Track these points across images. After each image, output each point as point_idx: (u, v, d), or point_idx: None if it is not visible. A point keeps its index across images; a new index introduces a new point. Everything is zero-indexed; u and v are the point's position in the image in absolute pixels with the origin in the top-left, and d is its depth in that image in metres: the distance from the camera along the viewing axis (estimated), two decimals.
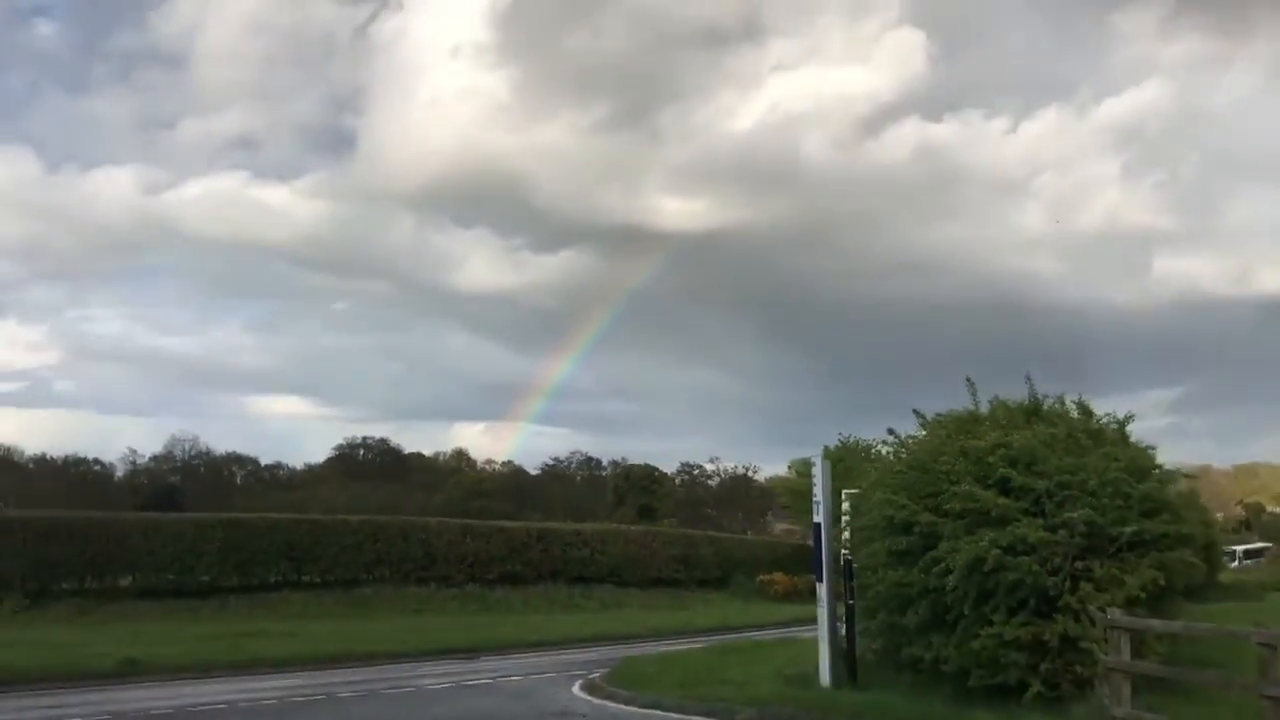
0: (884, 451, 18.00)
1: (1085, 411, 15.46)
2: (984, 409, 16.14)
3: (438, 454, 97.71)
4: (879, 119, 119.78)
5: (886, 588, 14.53)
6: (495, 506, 69.03)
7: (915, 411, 17.16)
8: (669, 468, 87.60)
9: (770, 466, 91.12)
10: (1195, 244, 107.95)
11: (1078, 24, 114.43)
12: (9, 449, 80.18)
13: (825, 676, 16.39)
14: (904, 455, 16.04)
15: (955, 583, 13.12)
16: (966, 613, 13.29)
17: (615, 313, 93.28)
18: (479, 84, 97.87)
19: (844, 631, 16.44)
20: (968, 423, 15.66)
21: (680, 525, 61.94)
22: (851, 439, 48.62)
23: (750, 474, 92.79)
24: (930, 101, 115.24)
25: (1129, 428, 15.19)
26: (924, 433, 16.43)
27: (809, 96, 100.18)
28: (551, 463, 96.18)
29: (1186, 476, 16.22)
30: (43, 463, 79.11)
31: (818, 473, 16.15)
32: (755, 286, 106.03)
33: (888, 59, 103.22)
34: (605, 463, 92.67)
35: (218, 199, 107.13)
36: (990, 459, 14.02)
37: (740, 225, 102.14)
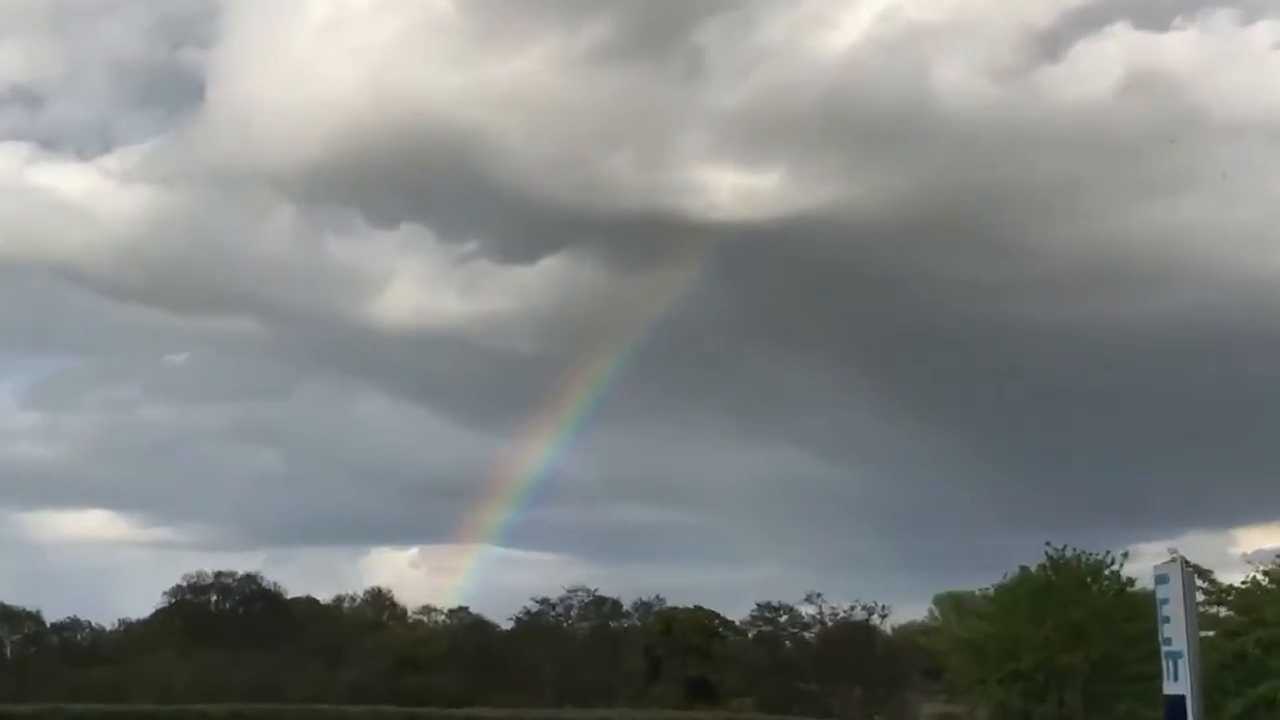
0: None
1: None
2: None
3: (342, 599, 72.74)
4: (1063, 30, 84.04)
5: None
6: (442, 684, 56.42)
7: None
8: (736, 612, 66.99)
9: (905, 607, 69.89)
10: None
11: None
12: None
13: None
14: None
15: None
16: None
17: (631, 358, 68.39)
18: None
19: None
20: None
21: (761, 710, 52.79)
22: (1070, 552, 39.33)
23: (873, 619, 67.81)
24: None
25: None
26: None
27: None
28: (534, 608, 70.39)
29: None
30: None
31: (1172, 595, 10.90)
32: (859, 309, 74.16)
33: None
34: (628, 606, 69.84)
35: None
36: None
37: (833, 209, 71.12)
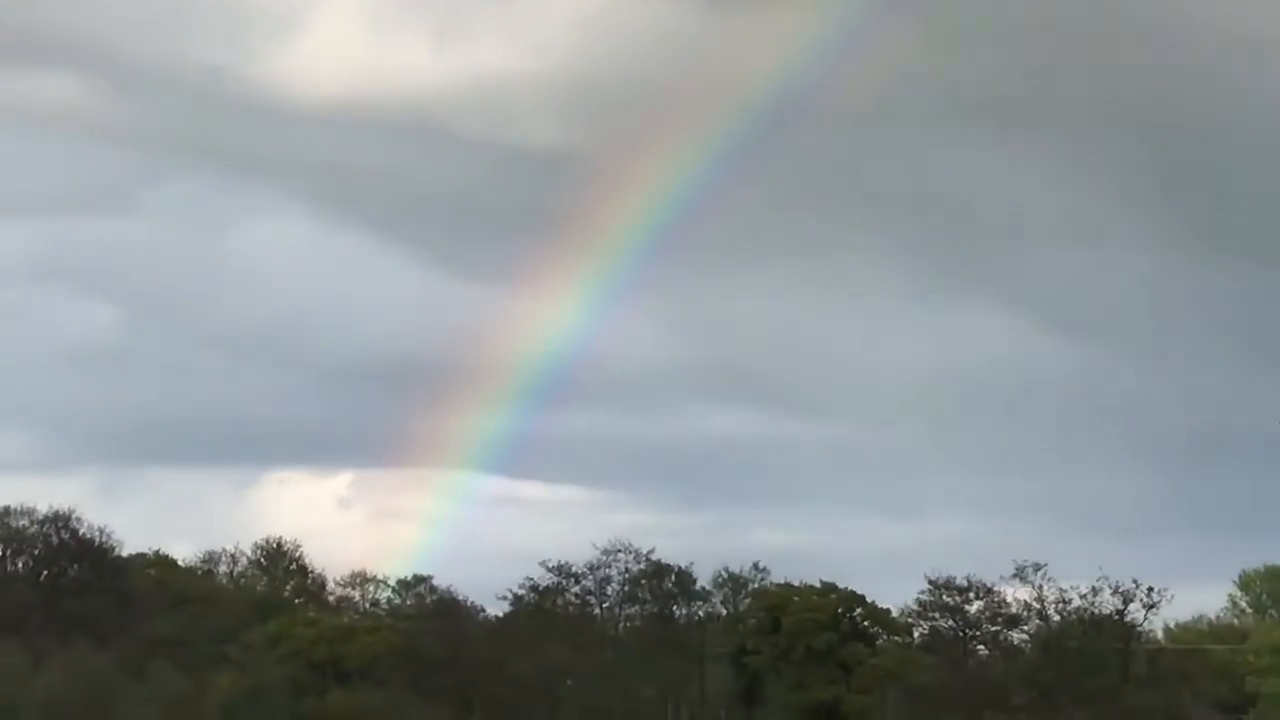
0: None
1: None
2: None
3: (214, 558, 56.46)
4: None
5: None
6: (390, 708, 45.63)
7: None
8: (894, 594, 52.75)
9: (1188, 590, 54.57)
10: None
11: None
12: None
13: None
14: None
15: None
16: None
17: (720, 157, 40.77)
18: None
19: None
20: None
21: None
22: None
23: (1133, 611, 50.94)
24: None
25: None
26: None
27: None
28: (546, 581, 53.76)
29: None
30: None
31: None
32: (1113, 72, 52.24)
33: None
34: (704, 580, 53.70)
35: None
36: None
37: None
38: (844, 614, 51.06)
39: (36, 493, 59.92)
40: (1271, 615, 49.64)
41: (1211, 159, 60.85)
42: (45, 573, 53.95)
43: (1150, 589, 52.29)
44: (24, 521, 52.39)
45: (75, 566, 52.58)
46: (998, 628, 54.00)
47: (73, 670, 45.25)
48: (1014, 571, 52.45)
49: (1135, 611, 52.35)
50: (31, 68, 74.18)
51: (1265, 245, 60.00)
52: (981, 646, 54.41)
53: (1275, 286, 59.62)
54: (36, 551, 53.60)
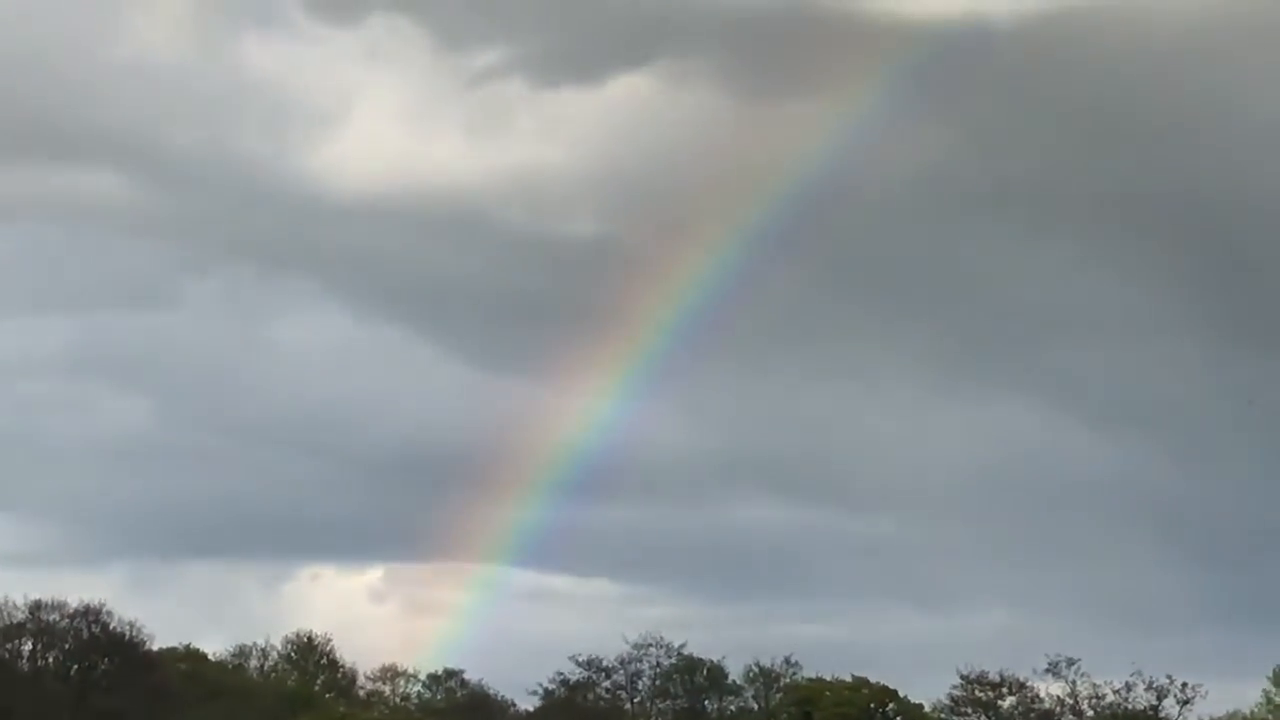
0: None
1: None
2: None
3: (244, 653, 56.63)
4: None
5: None
6: None
7: None
8: (925, 689, 53.46)
9: (1223, 686, 52.68)
10: None
11: None
12: None
13: None
14: None
15: None
16: None
17: (751, 249, 48.49)
18: None
19: None
20: None
21: None
22: None
23: (1168, 707, 52.15)
24: None
25: None
26: None
27: None
28: (576, 676, 54.61)
29: None
30: None
31: None
32: (1151, 167, 53.91)
33: None
34: (736, 675, 55.05)
35: None
36: None
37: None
38: (876, 708, 51.28)
39: (68, 586, 61.50)
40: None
41: (1251, 251, 61.30)
42: (76, 667, 53.60)
43: (1184, 684, 52.00)
44: (55, 615, 52.11)
45: (106, 661, 52.18)
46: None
47: None
48: (1047, 666, 52.29)
49: (1170, 708, 52.36)
50: (71, 162, 74.36)
51: None
52: None
53: None
54: (67, 646, 53.10)
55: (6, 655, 53.66)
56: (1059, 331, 66.26)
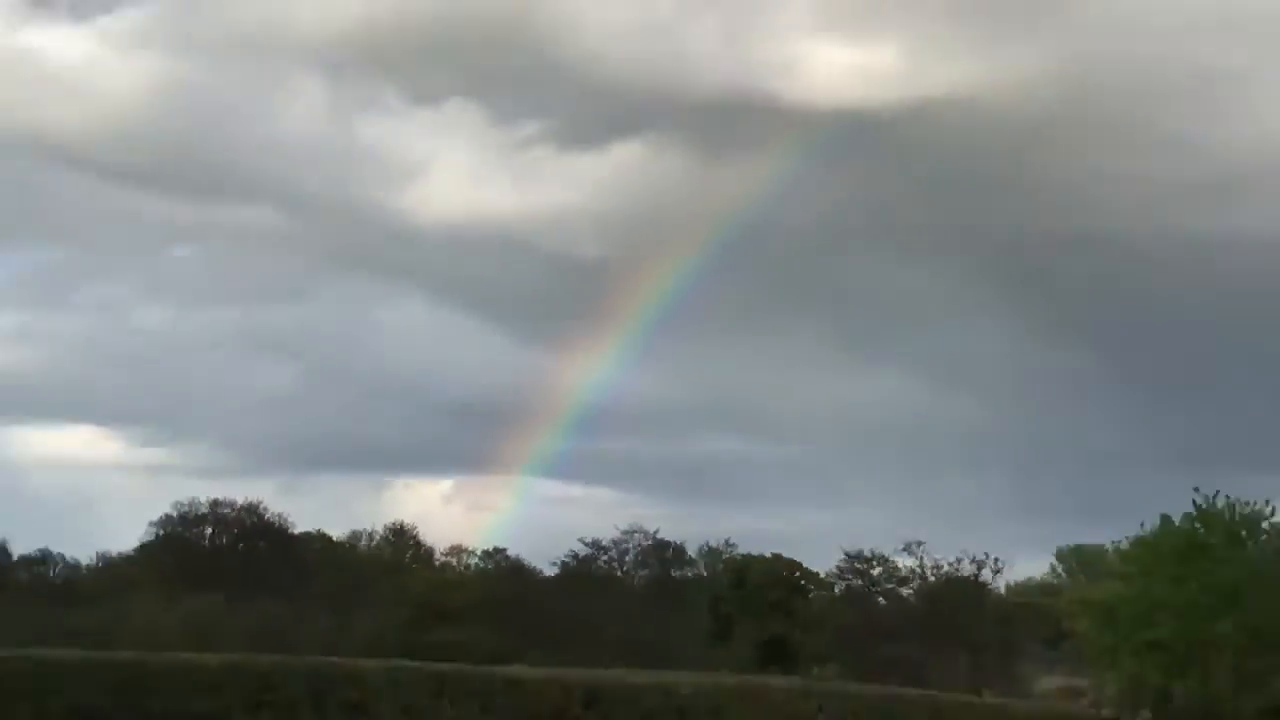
0: None
1: None
2: None
3: (359, 536, 67.41)
4: None
5: None
6: (473, 638, 50.76)
7: None
8: (821, 563, 61.55)
9: (1023, 561, 71.28)
10: None
11: None
12: None
13: None
14: None
15: None
16: None
17: (712, 264, 64.40)
18: None
19: None
20: None
21: (848, 674, 46.20)
22: (1220, 500, 36.51)
23: (984, 574, 63.66)
24: None
25: None
26: None
27: None
28: (584, 552, 66.92)
29: None
30: None
31: None
32: (985, 215, 70.23)
33: None
34: (693, 552, 67.83)
35: None
36: None
37: (957, 94, 69.43)
38: (788, 575, 57.97)
39: (236, 491, 75.74)
40: (1079, 579, 58.77)
41: (1049, 268, 76.04)
42: (241, 545, 64.62)
43: (995, 559, 62.84)
44: (227, 510, 63.34)
45: (261, 542, 64.05)
46: (892, 585, 65.89)
47: (258, 612, 53.59)
48: (903, 547, 63.75)
49: (986, 575, 62.88)
50: (238, 199, 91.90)
51: (1092, 331, 75.62)
52: (881, 598, 66.18)
53: (1101, 356, 74.96)
54: (235, 531, 64.41)
55: (192, 537, 63.92)
56: (914, 324, 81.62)
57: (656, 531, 67.33)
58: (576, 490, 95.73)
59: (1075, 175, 71.04)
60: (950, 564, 63.77)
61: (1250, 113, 72.46)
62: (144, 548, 61.64)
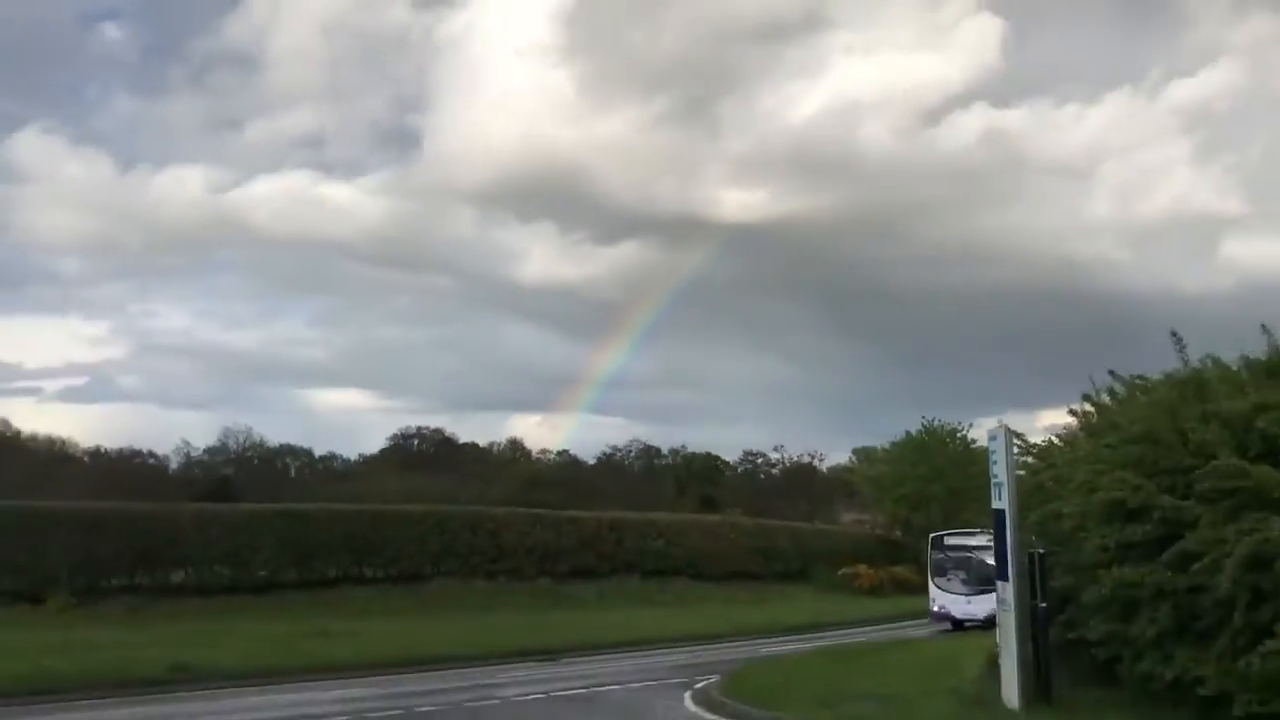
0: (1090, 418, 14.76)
1: None
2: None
3: (492, 444, 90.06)
4: (946, 107, 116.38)
5: (1111, 589, 11.45)
6: (553, 497, 64.00)
7: (1111, 373, 14.09)
8: (731, 457, 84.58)
9: (835, 455, 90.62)
10: (1267, 227, 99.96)
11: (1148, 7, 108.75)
12: (64, 441, 77.01)
13: (1012, 697, 13.34)
14: (1120, 423, 12.87)
15: (1229, 582, 10.03)
16: (1237, 622, 10.19)
17: (675, 302, 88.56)
18: (543, 81, 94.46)
19: (1034, 641, 13.36)
20: (1190, 385, 12.48)
21: (743, 515, 58.84)
22: (936, 422, 51.18)
23: (815, 462, 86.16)
24: (1000, 87, 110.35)
25: None
26: (1132, 397, 13.28)
27: (874, 84, 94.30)
28: (609, 451, 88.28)
29: None
30: (98, 456, 74.95)
31: (998, 448, 13.16)
32: (815, 275, 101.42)
33: (962, 46, 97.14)
34: (665, 452, 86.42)
35: (285, 197, 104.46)
36: (1260, 423, 10.87)
37: (799, 214, 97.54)
38: (714, 463, 76.27)
39: (429, 421, 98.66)
40: (864, 464, 66.19)
41: (862, 301, 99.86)
42: (431, 450, 76.70)
43: (820, 454, 79.97)
44: (425, 431, 79.20)
45: (443, 449, 76.85)
46: (768, 468, 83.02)
47: (439, 486, 57.85)
48: (774, 448, 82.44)
49: (816, 463, 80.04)
50: (429, 273, 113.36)
51: (870, 331, 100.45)
52: (762, 475, 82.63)
53: (876, 345, 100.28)
54: (430, 450, 77.22)
55: (406, 445, 77.71)
56: (777, 332, 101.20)
57: (646, 442, 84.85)
58: (604, 420, 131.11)
59: (863, 255, 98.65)
60: (798, 457, 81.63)
61: (947, 222, 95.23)
62: (383, 451, 77.91)
